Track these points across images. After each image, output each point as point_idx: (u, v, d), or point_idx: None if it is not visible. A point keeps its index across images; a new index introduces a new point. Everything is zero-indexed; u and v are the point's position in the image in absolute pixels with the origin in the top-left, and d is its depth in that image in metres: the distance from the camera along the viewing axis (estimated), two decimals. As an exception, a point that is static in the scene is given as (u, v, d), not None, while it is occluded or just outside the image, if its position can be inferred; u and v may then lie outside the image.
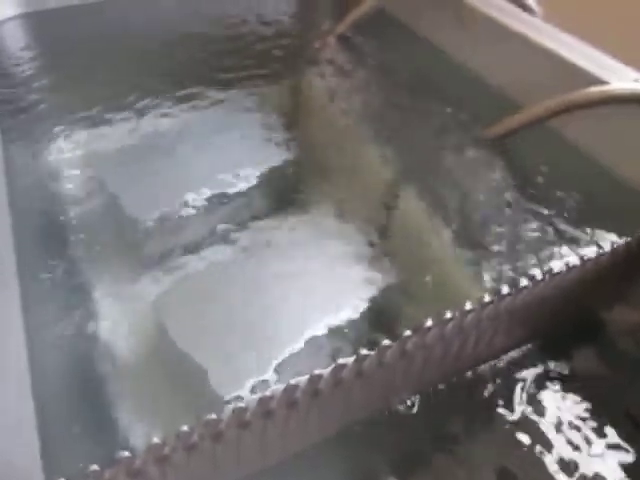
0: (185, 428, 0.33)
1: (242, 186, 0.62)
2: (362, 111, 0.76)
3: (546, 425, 0.43)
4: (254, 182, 0.63)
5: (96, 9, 0.94)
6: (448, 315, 0.40)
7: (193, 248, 0.56)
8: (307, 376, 0.36)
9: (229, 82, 0.78)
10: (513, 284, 0.43)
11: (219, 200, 0.61)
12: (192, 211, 0.59)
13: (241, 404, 0.34)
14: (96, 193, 0.62)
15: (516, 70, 0.70)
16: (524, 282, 0.43)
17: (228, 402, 0.43)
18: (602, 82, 0.60)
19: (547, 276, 0.43)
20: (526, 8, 0.75)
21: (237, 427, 0.35)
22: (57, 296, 0.51)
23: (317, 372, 0.36)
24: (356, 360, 0.38)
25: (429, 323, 0.40)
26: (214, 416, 0.34)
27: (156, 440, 0.32)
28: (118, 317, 0.50)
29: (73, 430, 0.41)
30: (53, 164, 0.65)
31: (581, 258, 0.45)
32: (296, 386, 0.36)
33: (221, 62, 0.83)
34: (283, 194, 0.63)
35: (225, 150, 0.68)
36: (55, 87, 0.77)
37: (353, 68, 0.84)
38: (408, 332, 0.39)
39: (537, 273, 0.43)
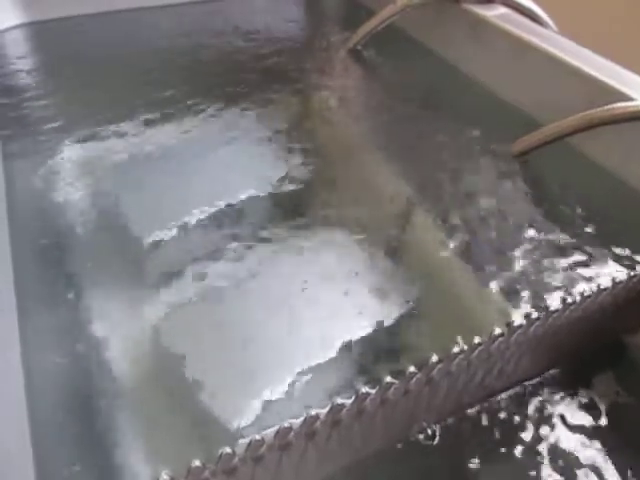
0: (197, 463, 0.30)
1: (248, 203, 0.60)
2: (374, 126, 0.74)
3: (569, 456, 0.41)
4: (261, 199, 0.61)
5: (98, 20, 0.93)
6: (476, 340, 0.38)
7: (197, 266, 0.53)
8: (328, 406, 0.34)
9: (236, 96, 0.76)
10: (543, 308, 0.40)
11: (224, 217, 0.58)
12: (196, 228, 0.57)
13: (257, 437, 0.32)
14: (98, 208, 0.59)
15: (535, 86, 0.69)
16: (554, 305, 0.41)
17: (238, 432, 0.40)
18: (627, 98, 0.59)
19: (579, 299, 0.41)
20: (540, 22, 0.73)
21: (252, 461, 0.32)
22: (56, 316, 0.49)
23: (339, 402, 0.34)
24: (380, 388, 0.35)
25: (456, 349, 0.37)
26: (228, 450, 0.31)
27: (165, 477, 0.30)
28: (120, 340, 0.47)
29: (72, 467, 0.38)
30: (54, 177, 0.63)
31: (612, 280, 0.43)
32: (316, 417, 0.33)
33: (228, 75, 0.81)
34: (291, 211, 0.61)
35: (231, 165, 0.66)
36: (56, 98, 0.75)
37: (365, 83, 0.83)
38: (435, 358, 0.37)
39: (568, 296, 0.41)
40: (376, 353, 0.47)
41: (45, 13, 0.90)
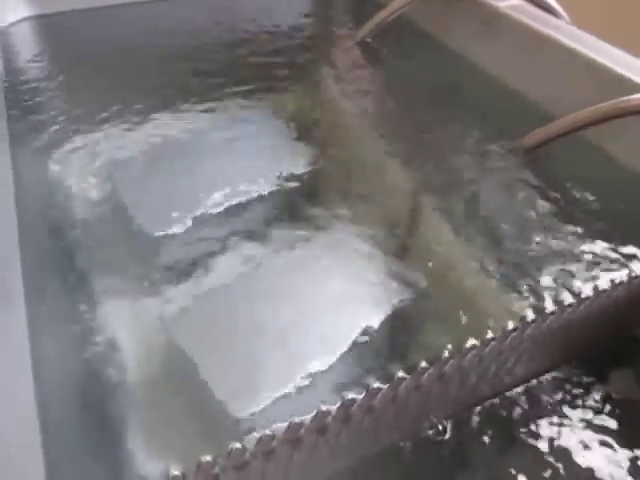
0: (207, 459, 0.30)
1: (257, 198, 0.60)
2: (385, 119, 0.74)
3: (581, 453, 0.40)
4: (270, 193, 0.60)
5: (104, 13, 0.93)
6: (489, 335, 0.37)
7: (206, 262, 0.53)
8: (339, 402, 0.33)
9: (245, 89, 0.76)
10: (557, 302, 0.40)
11: (234, 212, 0.58)
12: (205, 223, 0.57)
13: (268, 432, 0.32)
14: (106, 203, 0.59)
15: (548, 78, 0.68)
16: (568, 300, 0.40)
17: (249, 427, 0.40)
18: (641, 89, 0.58)
19: (593, 294, 0.41)
20: (553, 13, 0.72)
21: (263, 456, 0.32)
22: (65, 311, 0.48)
23: (350, 397, 0.33)
24: (391, 384, 0.35)
25: (469, 344, 0.37)
26: (239, 445, 0.31)
27: (175, 472, 0.29)
28: (128, 335, 0.47)
29: (80, 461, 0.38)
30: (61, 172, 0.63)
31: (628, 274, 0.42)
32: (327, 412, 0.33)
33: (236, 69, 0.81)
34: (300, 206, 0.60)
35: (240, 160, 0.65)
36: (63, 92, 0.75)
37: (375, 75, 0.82)
38: (447, 354, 0.36)
39: (583, 290, 0.40)
40: (387, 348, 0.47)
41: (51, 6, 0.90)
